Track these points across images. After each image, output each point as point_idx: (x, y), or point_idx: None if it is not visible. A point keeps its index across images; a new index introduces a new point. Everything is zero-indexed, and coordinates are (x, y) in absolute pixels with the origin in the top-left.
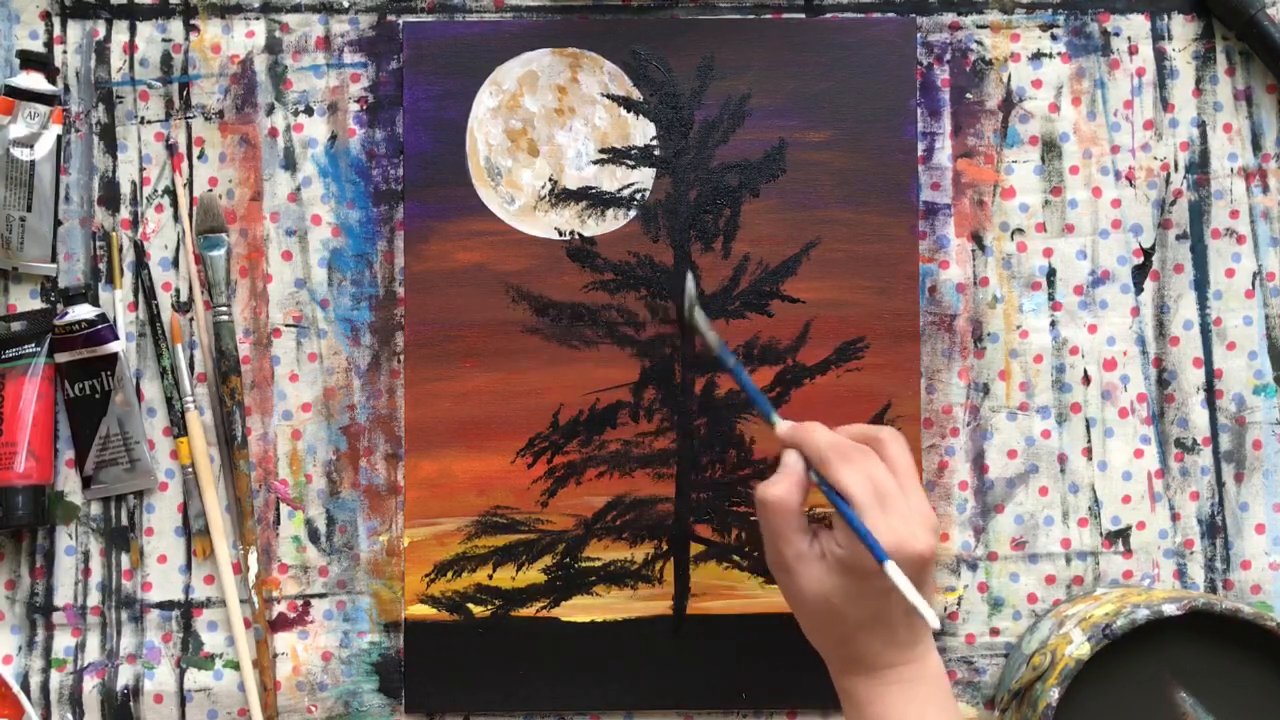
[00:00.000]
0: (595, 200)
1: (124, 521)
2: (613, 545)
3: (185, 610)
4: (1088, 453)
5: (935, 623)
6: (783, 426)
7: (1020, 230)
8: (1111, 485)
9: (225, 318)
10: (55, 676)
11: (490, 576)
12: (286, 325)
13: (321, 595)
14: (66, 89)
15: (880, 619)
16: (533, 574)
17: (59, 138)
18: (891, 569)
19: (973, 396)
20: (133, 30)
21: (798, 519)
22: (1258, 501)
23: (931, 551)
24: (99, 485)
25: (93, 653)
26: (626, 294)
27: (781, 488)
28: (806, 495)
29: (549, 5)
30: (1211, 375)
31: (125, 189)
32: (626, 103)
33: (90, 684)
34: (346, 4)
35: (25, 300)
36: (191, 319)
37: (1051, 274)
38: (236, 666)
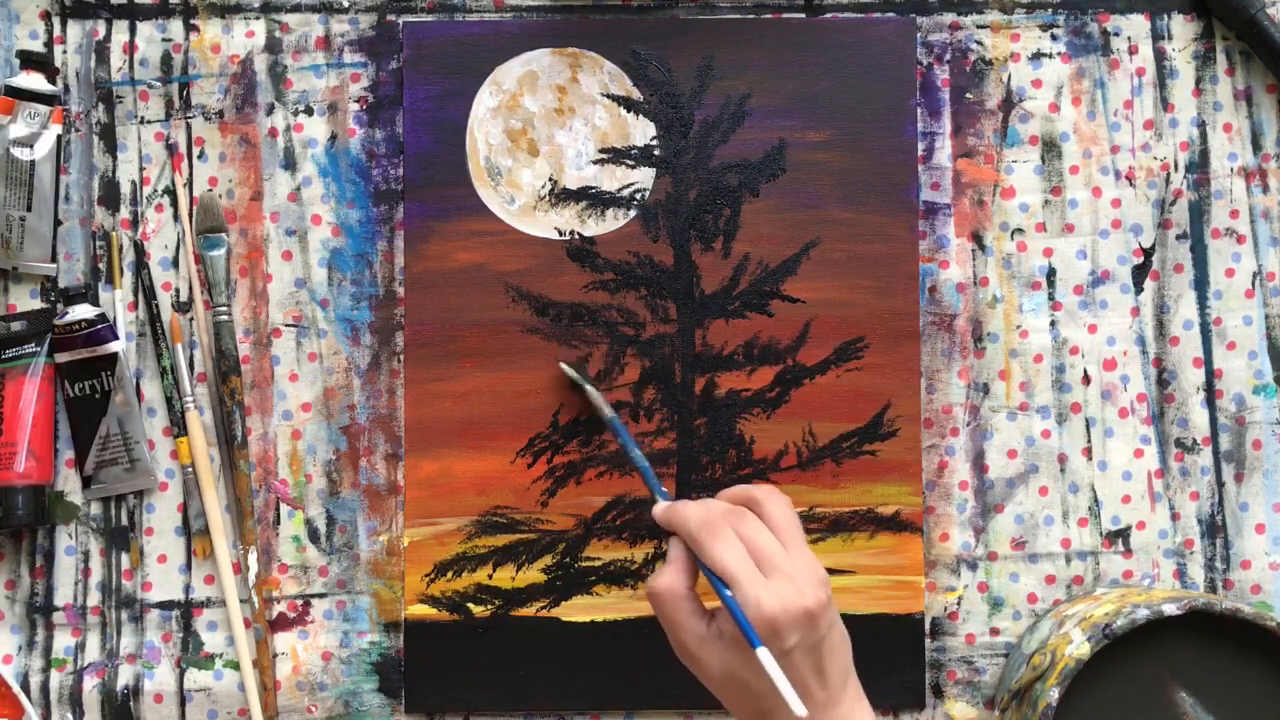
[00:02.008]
0: (595, 200)
1: (124, 521)
2: (613, 545)
3: (185, 610)
4: (1088, 453)
5: (801, 710)
6: (659, 508)
7: (1020, 230)
8: (1111, 485)
9: (225, 318)
10: (55, 676)
11: (490, 576)
12: (286, 325)
13: (321, 595)
14: (66, 89)
15: (792, 683)
16: (533, 574)
17: (59, 138)
18: (763, 655)
19: (973, 396)
20: (133, 30)
21: (690, 604)
22: (1258, 501)
23: (821, 605)
24: (99, 485)
25: (93, 653)
26: (626, 294)
27: (667, 577)
28: (695, 577)
29: (549, 5)
30: (1211, 375)
31: (125, 189)
32: (626, 103)
33: (90, 684)
34: (346, 4)
35: (25, 300)
36: (191, 319)
37: (1051, 274)
38: (236, 666)
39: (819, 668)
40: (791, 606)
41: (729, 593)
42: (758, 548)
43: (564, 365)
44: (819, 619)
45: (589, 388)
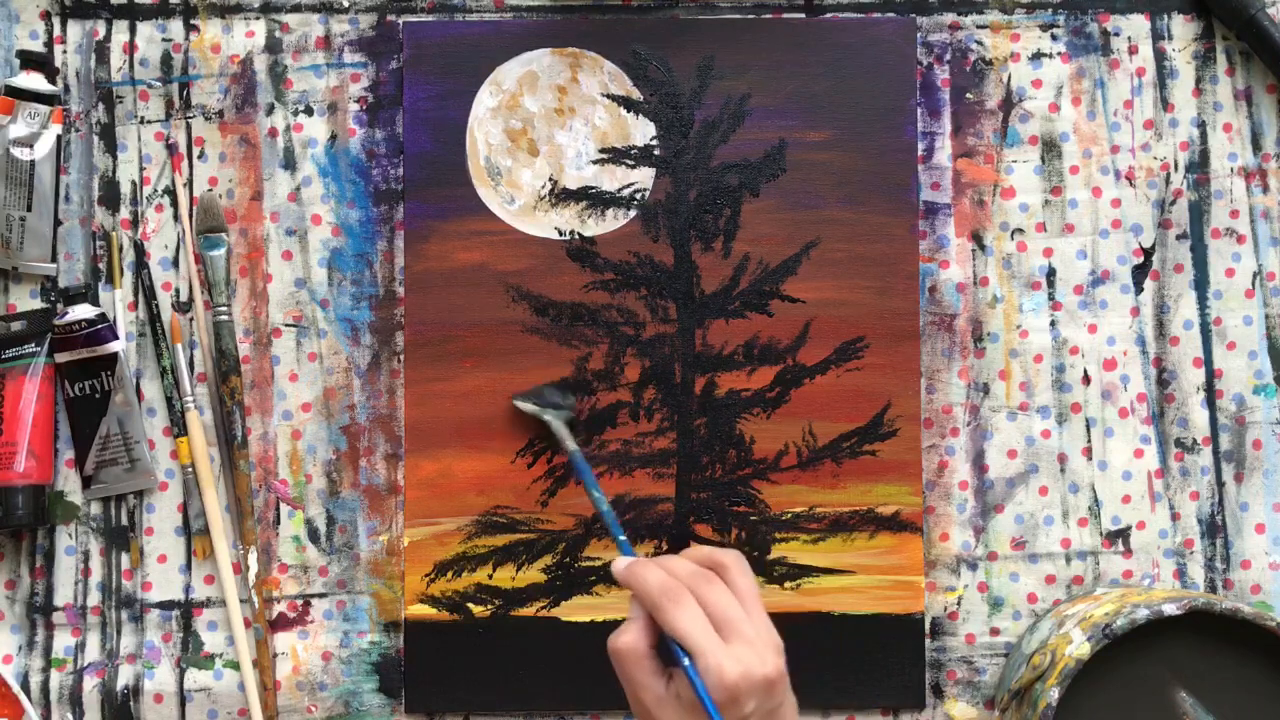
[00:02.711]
0: (595, 200)
1: (124, 521)
2: (613, 545)
3: (185, 610)
4: (1088, 452)
5: None
6: (619, 565)
7: (1020, 230)
8: (1111, 485)
9: (225, 318)
10: (55, 676)
11: (490, 576)
12: (286, 325)
13: (321, 595)
14: (66, 89)
15: None
16: (533, 574)
17: (59, 138)
18: None
19: (973, 396)
20: (133, 30)
21: (650, 663)
22: (1258, 501)
23: (779, 673)
24: (99, 485)
25: (93, 652)
26: (626, 294)
27: (629, 636)
28: (657, 635)
29: (549, 5)
30: (1211, 375)
31: (125, 189)
32: (626, 103)
33: (90, 684)
34: (346, 4)
35: (25, 300)
36: (191, 319)
37: (1051, 274)
38: (236, 666)
39: None
40: (752, 674)
41: (687, 662)
42: (719, 612)
43: (517, 401)
44: (776, 686)
45: (548, 418)
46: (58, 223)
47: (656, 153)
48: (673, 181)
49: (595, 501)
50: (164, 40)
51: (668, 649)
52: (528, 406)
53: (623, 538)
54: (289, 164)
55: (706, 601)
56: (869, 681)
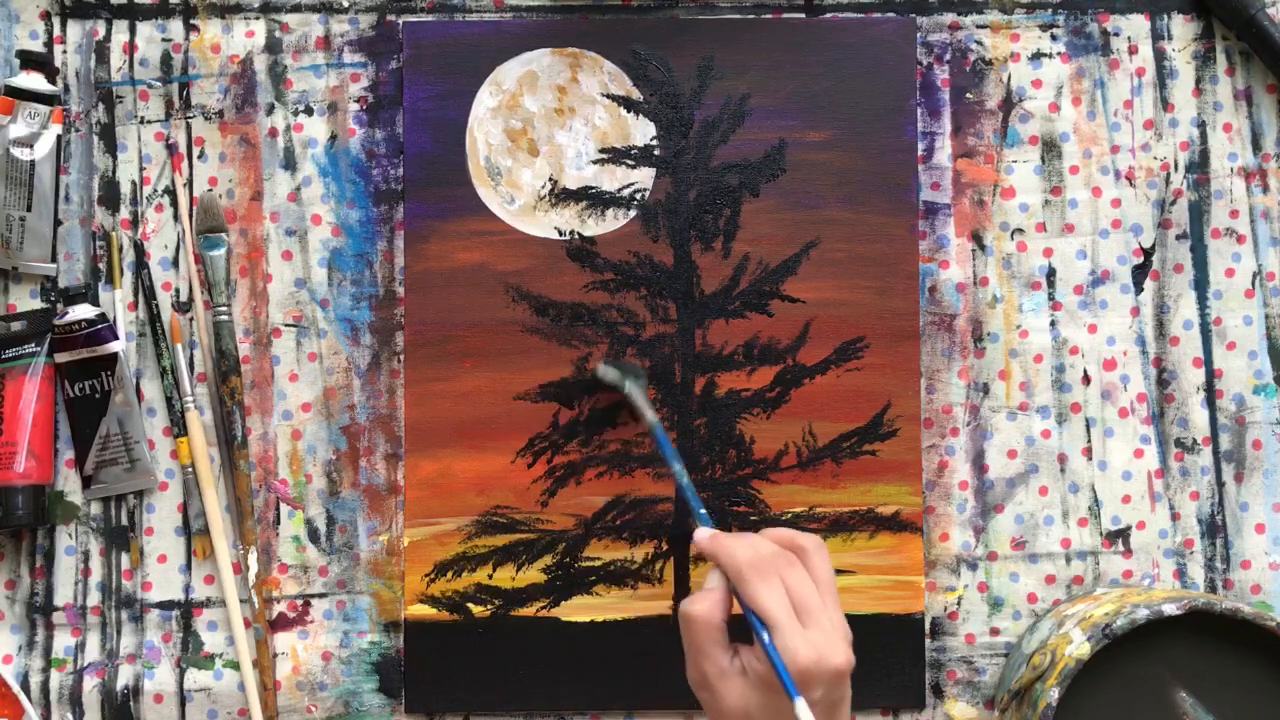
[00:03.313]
0: (595, 200)
1: (124, 521)
2: (613, 545)
3: (185, 610)
4: (1088, 453)
5: None
6: (702, 536)
7: (1020, 230)
8: (1111, 485)
9: (225, 318)
10: (55, 676)
11: (490, 576)
12: (286, 325)
13: (321, 595)
14: (66, 89)
15: None
16: (533, 574)
17: (59, 138)
18: (800, 707)
19: (973, 396)
20: (133, 30)
21: (720, 635)
22: (1258, 501)
23: (849, 664)
24: (99, 485)
25: (93, 653)
26: (626, 294)
27: (705, 604)
28: (730, 610)
29: (549, 5)
30: (1211, 375)
31: (125, 189)
32: (626, 103)
33: (90, 684)
34: (346, 4)
35: (25, 300)
36: (191, 319)
37: (1051, 274)
38: (236, 666)
39: None
40: (824, 662)
41: (767, 638)
42: (799, 598)
43: (601, 366)
44: (844, 678)
45: (629, 387)
46: (58, 223)
47: (656, 153)
48: (673, 181)
49: (676, 474)
50: (164, 40)
51: (739, 625)
52: (610, 374)
53: (703, 510)
54: (289, 164)
55: (787, 585)
56: (869, 681)
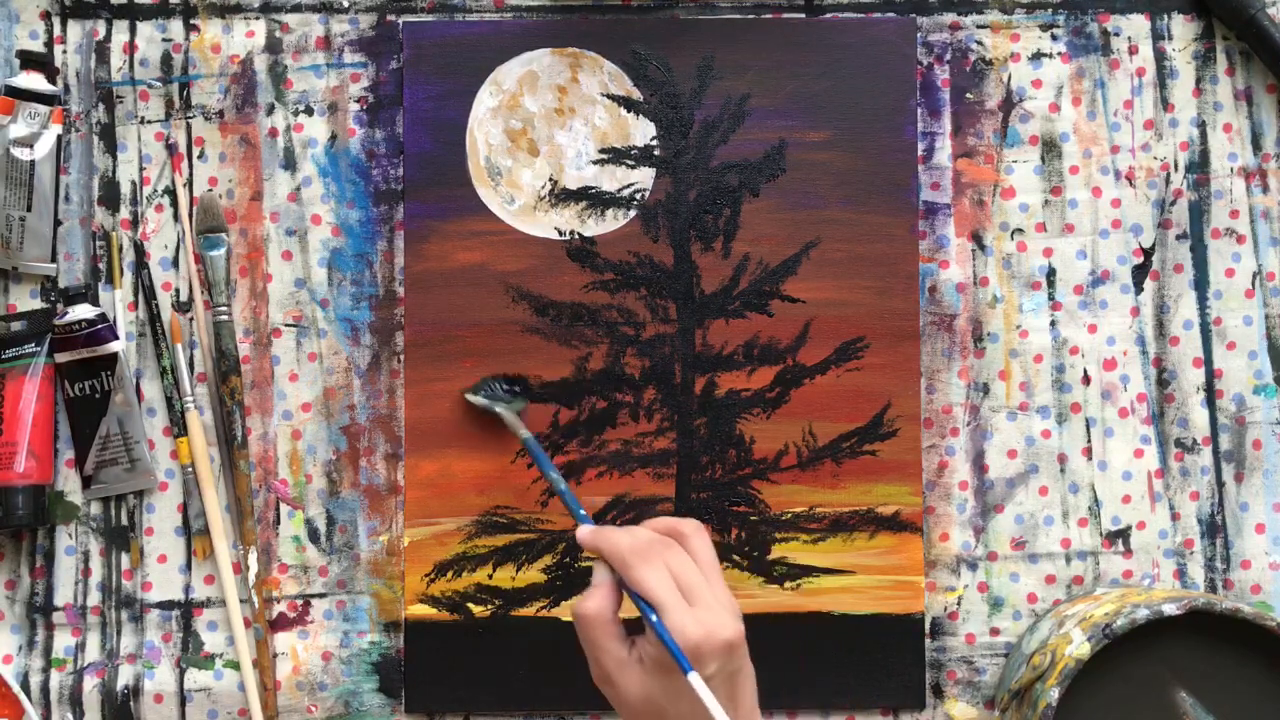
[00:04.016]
0: (595, 200)
1: (124, 521)
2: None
3: (185, 610)
4: (1088, 453)
5: None
6: (584, 531)
7: (1020, 230)
8: (1111, 485)
9: (225, 318)
10: (55, 676)
11: (490, 576)
12: (286, 325)
13: (321, 595)
14: (66, 89)
15: (702, 713)
16: (533, 574)
17: (59, 138)
18: (694, 680)
19: (973, 396)
20: (133, 30)
21: (614, 628)
22: (1258, 501)
23: (739, 637)
24: (99, 485)
25: (93, 653)
26: (626, 294)
27: (594, 601)
28: (620, 602)
29: (549, 5)
30: (1211, 375)
31: (125, 189)
32: (626, 103)
33: (90, 684)
34: (346, 4)
35: (25, 300)
36: (191, 319)
37: (1051, 274)
38: (236, 666)
39: (732, 696)
40: (713, 636)
41: (655, 617)
42: (683, 579)
43: (468, 395)
44: (737, 649)
45: (499, 410)
46: (58, 223)
47: (656, 153)
48: (673, 181)
49: (553, 482)
50: (164, 40)
51: (629, 617)
52: (478, 401)
53: (582, 512)
54: (289, 164)
55: (670, 568)
56: (869, 681)
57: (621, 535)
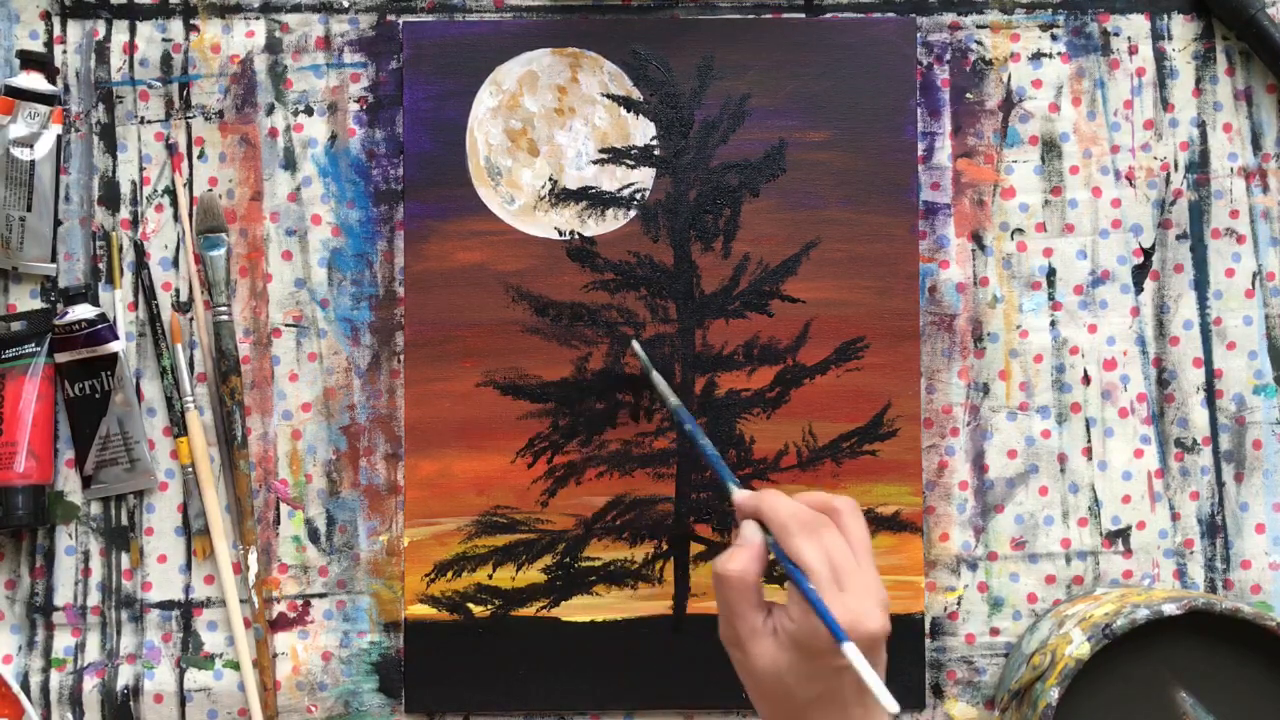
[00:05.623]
0: (595, 200)
1: (124, 521)
2: (613, 545)
3: (185, 610)
4: (1088, 453)
5: (894, 707)
6: (740, 494)
7: (1020, 230)
8: (1111, 485)
9: (225, 318)
10: (55, 676)
11: (490, 576)
12: (286, 325)
13: (321, 595)
14: (66, 89)
15: (833, 698)
16: (533, 574)
17: (59, 138)
18: (850, 650)
19: (973, 396)
20: (133, 30)
21: (755, 594)
22: (1258, 501)
23: (885, 630)
24: (99, 485)
25: (93, 653)
26: (626, 294)
27: (740, 562)
28: (764, 568)
29: (549, 5)
30: (1211, 375)
31: (125, 189)
32: (626, 103)
33: (90, 684)
34: (346, 4)
35: (25, 300)
36: (191, 319)
37: (1051, 274)
38: (236, 666)
39: (862, 692)
40: (858, 625)
41: (812, 586)
42: (835, 560)
43: (635, 344)
44: (879, 644)
45: (655, 376)
46: (58, 223)
47: (656, 153)
48: (673, 181)
49: (702, 448)
50: (164, 40)
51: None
52: (642, 355)
53: (736, 479)
54: (289, 164)
55: (823, 545)
56: None
57: (785, 501)
